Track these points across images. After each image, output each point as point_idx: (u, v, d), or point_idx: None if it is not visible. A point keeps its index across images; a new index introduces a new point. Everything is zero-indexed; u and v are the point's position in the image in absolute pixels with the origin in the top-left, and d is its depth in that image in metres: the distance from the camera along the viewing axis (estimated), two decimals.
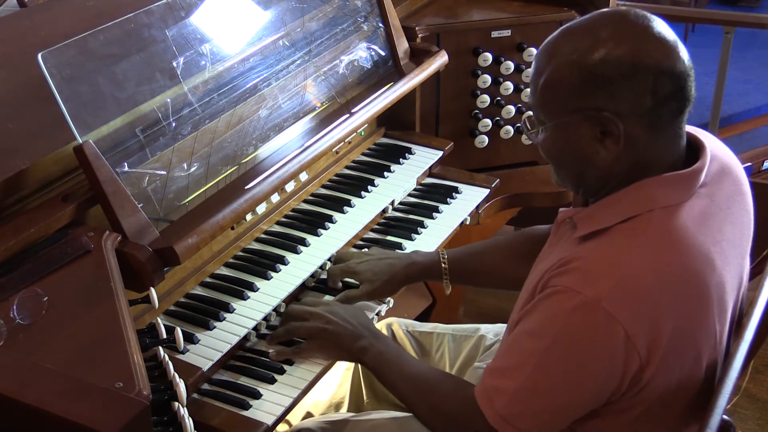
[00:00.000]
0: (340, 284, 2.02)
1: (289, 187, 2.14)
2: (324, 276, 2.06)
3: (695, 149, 1.53)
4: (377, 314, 2.00)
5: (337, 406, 2.15)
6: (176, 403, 1.51)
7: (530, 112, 1.56)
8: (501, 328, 2.10)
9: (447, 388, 1.66)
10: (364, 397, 2.12)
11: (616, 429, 1.52)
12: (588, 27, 1.46)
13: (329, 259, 2.08)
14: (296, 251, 2.06)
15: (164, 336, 1.65)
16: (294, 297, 1.99)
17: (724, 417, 1.47)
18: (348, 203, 2.25)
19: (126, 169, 1.75)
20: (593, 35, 1.43)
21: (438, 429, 1.67)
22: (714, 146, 1.59)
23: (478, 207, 2.41)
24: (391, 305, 2.04)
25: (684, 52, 1.44)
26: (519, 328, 1.51)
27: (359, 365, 2.13)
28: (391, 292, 2.01)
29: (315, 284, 2.04)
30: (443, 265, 2.01)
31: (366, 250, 2.14)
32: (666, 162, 1.48)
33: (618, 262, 1.41)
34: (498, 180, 2.49)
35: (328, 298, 1.99)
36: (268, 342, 1.85)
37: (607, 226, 1.46)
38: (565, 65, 1.44)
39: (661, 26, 1.45)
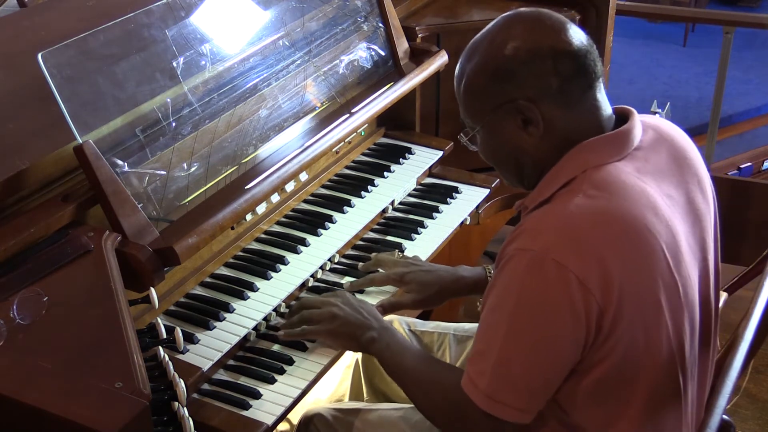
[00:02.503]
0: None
1: (289, 187, 2.14)
2: (322, 276, 2.06)
3: (625, 120, 1.60)
4: None
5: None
6: (176, 403, 1.52)
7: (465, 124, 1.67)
8: None
9: (447, 383, 1.66)
10: (365, 395, 2.13)
11: (583, 390, 1.51)
12: (488, 32, 1.59)
13: (329, 259, 2.08)
14: (296, 251, 2.06)
15: (164, 336, 1.65)
16: (294, 297, 1.99)
17: (724, 417, 1.47)
18: (348, 203, 2.25)
19: (126, 169, 1.75)
20: (492, 39, 1.56)
21: (438, 424, 1.67)
22: (649, 120, 1.66)
23: (478, 207, 2.41)
24: None
25: (577, 31, 1.54)
26: (485, 308, 1.54)
27: (359, 364, 2.14)
28: (437, 303, 2.03)
29: (315, 284, 2.04)
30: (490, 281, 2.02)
31: (411, 255, 2.10)
32: (590, 133, 1.55)
33: (558, 215, 1.49)
34: (498, 180, 2.48)
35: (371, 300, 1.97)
36: (281, 328, 1.85)
37: (549, 195, 1.55)
38: (474, 72, 1.57)
39: (549, 14, 1.56)
